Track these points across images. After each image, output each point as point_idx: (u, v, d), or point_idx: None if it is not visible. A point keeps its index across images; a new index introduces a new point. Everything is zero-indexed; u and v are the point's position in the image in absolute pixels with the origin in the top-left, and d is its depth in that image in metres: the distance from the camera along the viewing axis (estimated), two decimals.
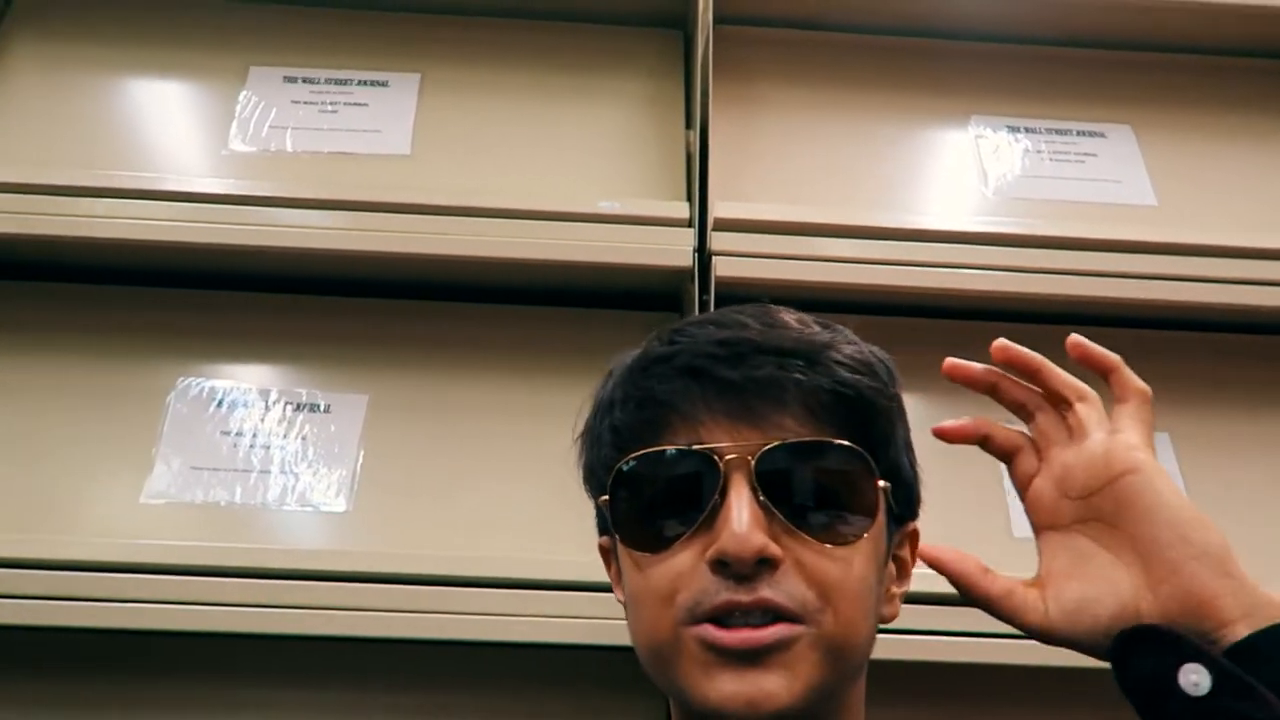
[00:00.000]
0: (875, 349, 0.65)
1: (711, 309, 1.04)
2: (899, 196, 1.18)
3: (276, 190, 1.07)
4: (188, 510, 1.00)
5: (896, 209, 1.16)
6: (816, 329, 0.63)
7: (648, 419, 0.59)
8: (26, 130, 1.15)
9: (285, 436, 1.05)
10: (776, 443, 0.57)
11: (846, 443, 0.59)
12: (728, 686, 0.55)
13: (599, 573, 0.69)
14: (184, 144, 1.18)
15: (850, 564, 0.58)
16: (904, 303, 1.14)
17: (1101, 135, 1.25)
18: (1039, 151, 1.23)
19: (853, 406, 0.60)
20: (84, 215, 1.04)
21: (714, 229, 1.06)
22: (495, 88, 1.23)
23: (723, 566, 0.56)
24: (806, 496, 0.57)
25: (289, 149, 1.16)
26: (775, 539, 0.56)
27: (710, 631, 0.55)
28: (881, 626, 0.62)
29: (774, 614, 0.56)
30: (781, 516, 0.56)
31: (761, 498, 0.56)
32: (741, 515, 0.55)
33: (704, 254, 1.06)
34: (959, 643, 0.91)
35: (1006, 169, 1.22)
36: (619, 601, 0.65)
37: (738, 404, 0.58)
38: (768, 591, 0.55)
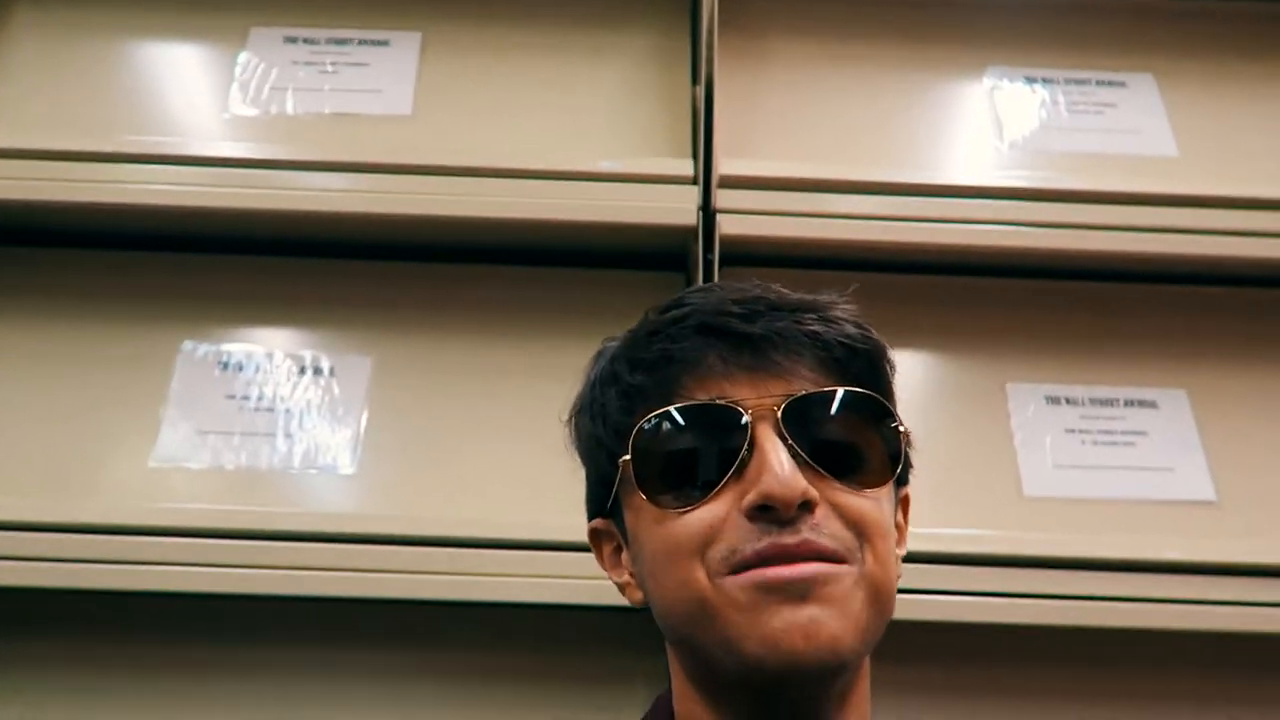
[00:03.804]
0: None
1: (716, 268, 1.03)
2: (911, 151, 1.16)
3: (278, 153, 1.06)
4: (195, 474, 1.00)
5: (908, 164, 1.13)
6: (813, 295, 0.63)
7: (664, 378, 0.59)
8: (27, 96, 1.15)
9: (290, 399, 1.05)
10: (802, 393, 0.58)
11: (868, 391, 0.59)
12: (783, 619, 0.54)
13: None
14: (186, 108, 1.17)
15: (880, 504, 0.58)
16: (916, 260, 1.11)
17: (1122, 85, 1.21)
18: (1056, 102, 1.20)
19: (863, 359, 0.61)
20: (86, 180, 1.03)
21: (719, 186, 1.04)
22: (497, 45, 1.20)
23: (763, 512, 0.55)
24: (833, 444, 0.58)
25: (290, 111, 1.15)
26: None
27: (760, 571, 0.55)
28: None
29: (816, 558, 0.55)
30: (812, 463, 0.56)
31: (790, 443, 0.56)
32: (782, 460, 0.55)
33: (709, 212, 1.04)
34: (946, 601, 0.88)
35: (1023, 121, 1.19)
36: (616, 583, 0.65)
37: (758, 357, 0.58)
38: (810, 534, 0.55)
